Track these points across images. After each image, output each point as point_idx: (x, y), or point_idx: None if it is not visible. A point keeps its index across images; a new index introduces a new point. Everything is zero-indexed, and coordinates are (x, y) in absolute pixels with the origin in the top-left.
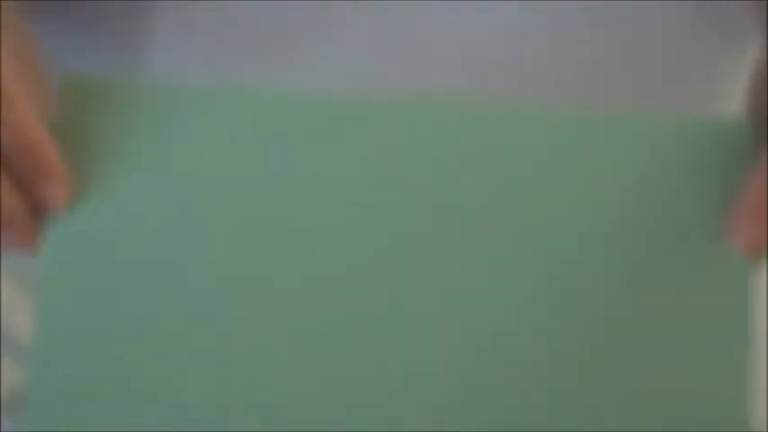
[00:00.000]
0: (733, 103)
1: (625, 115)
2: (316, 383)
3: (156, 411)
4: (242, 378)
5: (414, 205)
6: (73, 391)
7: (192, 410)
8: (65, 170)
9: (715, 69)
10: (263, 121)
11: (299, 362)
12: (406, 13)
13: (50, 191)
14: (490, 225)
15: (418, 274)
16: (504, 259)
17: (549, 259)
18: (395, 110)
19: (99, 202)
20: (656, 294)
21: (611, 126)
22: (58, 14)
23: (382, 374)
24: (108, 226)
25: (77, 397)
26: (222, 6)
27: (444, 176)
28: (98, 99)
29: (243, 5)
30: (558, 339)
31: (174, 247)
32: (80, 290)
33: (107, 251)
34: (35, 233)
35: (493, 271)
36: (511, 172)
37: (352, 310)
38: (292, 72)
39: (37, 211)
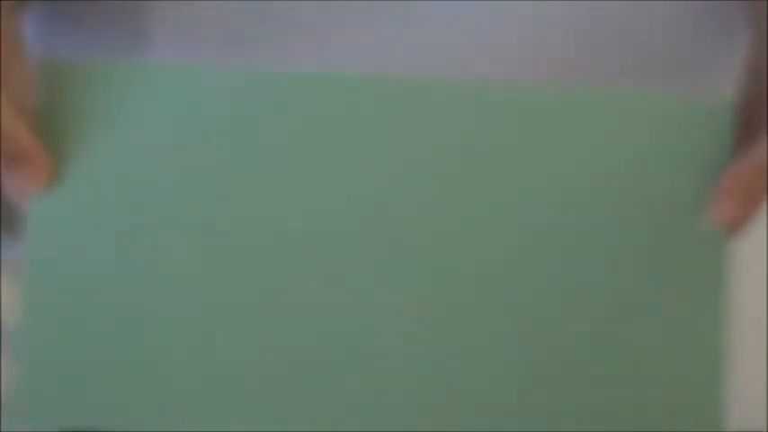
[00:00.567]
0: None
1: (611, 91)
2: (303, 375)
3: (141, 395)
4: (233, 365)
5: (413, 191)
6: (62, 379)
7: (186, 398)
8: (41, 154)
9: (715, 70)
10: (247, 102)
11: (285, 343)
12: None
13: (28, 175)
14: (478, 208)
15: (417, 261)
16: (488, 235)
17: (536, 242)
18: (394, 90)
19: (84, 186)
20: (636, 274)
21: (598, 102)
22: (58, 14)
23: (380, 370)
24: (93, 211)
25: (66, 383)
26: (222, 6)
27: (438, 159)
28: (78, 81)
29: (243, 5)
30: (546, 321)
31: (160, 231)
32: (66, 275)
33: (92, 236)
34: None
35: (483, 253)
36: (497, 152)
37: (348, 300)
38: (292, 71)
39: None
